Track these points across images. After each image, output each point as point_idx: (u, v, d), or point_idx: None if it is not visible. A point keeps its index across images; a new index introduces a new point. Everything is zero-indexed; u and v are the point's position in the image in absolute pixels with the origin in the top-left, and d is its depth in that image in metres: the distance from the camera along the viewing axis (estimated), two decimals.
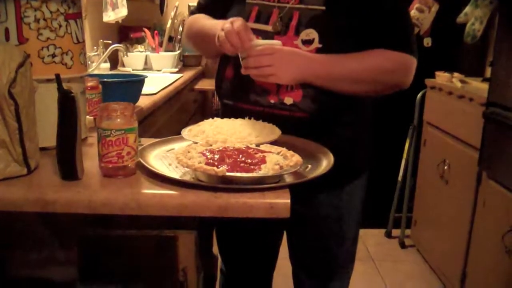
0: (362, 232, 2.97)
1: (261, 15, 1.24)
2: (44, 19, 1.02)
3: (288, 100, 1.18)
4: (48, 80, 1.02)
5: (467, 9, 2.68)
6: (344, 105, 1.22)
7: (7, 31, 1.00)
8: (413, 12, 2.80)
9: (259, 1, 1.25)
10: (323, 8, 1.17)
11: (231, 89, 1.28)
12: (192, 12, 1.44)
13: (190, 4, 3.79)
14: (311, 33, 1.17)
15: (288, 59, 1.14)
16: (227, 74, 1.29)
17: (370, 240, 3.00)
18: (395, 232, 3.03)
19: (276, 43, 1.16)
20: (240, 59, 1.17)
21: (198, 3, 1.44)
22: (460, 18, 2.71)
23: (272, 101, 1.20)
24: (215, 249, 1.43)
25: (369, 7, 1.17)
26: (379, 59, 1.19)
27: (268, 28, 1.22)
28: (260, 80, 1.19)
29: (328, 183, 1.20)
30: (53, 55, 1.05)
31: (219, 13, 1.30)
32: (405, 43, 1.20)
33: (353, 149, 1.28)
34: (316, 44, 1.17)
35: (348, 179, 1.29)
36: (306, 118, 1.18)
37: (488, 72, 2.45)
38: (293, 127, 1.17)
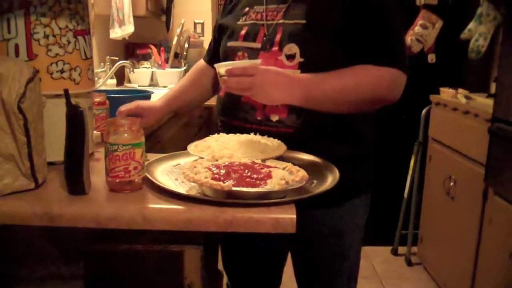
0: (368, 249, 2.98)
1: (249, 33, 1.27)
2: (53, 35, 1.04)
3: (274, 117, 1.20)
4: (57, 96, 1.03)
5: (471, 25, 2.70)
6: (330, 120, 1.19)
7: (17, 47, 1.02)
8: (417, 29, 2.82)
9: (250, 21, 1.29)
10: (304, 22, 1.18)
11: (223, 106, 1.31)
12: (203, 58, 1.54)
13: (196, 21, 3.84)
14: (292, 48, 1.18)
15: (269, 81, 1.12)
16: (221, 92, 1.32)
17: (376, 257, 2.98)
18: (402, 249, 3.00)
19: (256, 62, 1.15)
20: (219, 76, 1.15)
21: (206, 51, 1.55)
22: (464, 34, 2.73)
23: (258, 118, 1.21)
24: (221, 265, 1.42)
25: (352, 21, 1.16)
26: (360, 77, 1.16)
27: (257, 45, 1.24)
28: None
29: (326, 201, 1.18)
30: (62, 71, 1.06)
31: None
32: (390, 58, 1.17)
33: (351, 167, 1.23)
34: (298, 59, 1.18)
35: (347, 197, 1.27)
36: (291, 134, 1.19)
37: (493, 88, 2.45)
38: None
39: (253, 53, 1.24)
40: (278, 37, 1.21)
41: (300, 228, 1.24)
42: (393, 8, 1.22)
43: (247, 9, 1.31)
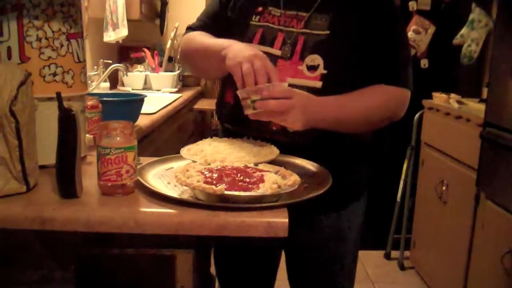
0: (361, 253, 2.93)
1: (265, 37, 1.22)
2: (46, 38, 1.04)
3: (291, 128, 1.16)
4: (49, 99, 1.03)
5: (463, 31, 2.72)
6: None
7: (9, 49, 1.01)
8: (410, 34, 2.84)
9: (264, 23, 1.24)
10: (327, 32, 1.17)
11: (232, 114, 1.25)
12: (190, 28, 1.38)
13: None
14: (316, 59, 1.16)
15: (305, 104, 1.09)
16: (227, 98, 1.27)
17: (369, 262, 2.98)
18: (394, 253, 3.01)
19: (284, 84, 1.10)
20: (246, 102, 1.08)
21: (198, 20, 1.38)
22: (457, 40, 2.75)
23: (274, 128, 1.18)
24: (213, 269, 1.42)
25: (370, 34, 1.17)
26: (380, 98, 1.19)
27: (277, 52, 1.20)
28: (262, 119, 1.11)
29: (331, 205, 1.21)
30: (54, 74, 1.06)
31: (219, 34, 1.27)
32: (402, 78, 1.20)
33: (355, 171, 1.28)
34: (321, 70, 1.16)
35: (350, 200, 1.30)
36: (307, 145, 1.18)
37: (485, 93, 2.47)
38: (295, 153, 1.16)
39: (271, 59, 1.18)
40: (299, 46, 1.18)
41: (303, 232, 1.24)
42: (405, 27, 1.25)
43: (260, 8, 1.25)
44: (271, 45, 1.22)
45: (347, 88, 1.17)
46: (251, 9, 1.27)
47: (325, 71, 1.16)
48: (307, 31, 1.19)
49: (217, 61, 1.16)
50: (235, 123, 1.26)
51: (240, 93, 1.09)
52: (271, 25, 1.23)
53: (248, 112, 1.09)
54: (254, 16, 1.25)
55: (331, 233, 1.28)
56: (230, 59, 1.11)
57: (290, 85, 1.16)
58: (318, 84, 1.16)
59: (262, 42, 1.23)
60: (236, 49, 1.13)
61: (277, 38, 1.21)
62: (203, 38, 1.29)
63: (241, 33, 1.24)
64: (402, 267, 2.92)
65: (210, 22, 1.35)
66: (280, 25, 1.22)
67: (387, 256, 3.05)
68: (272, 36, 1.22)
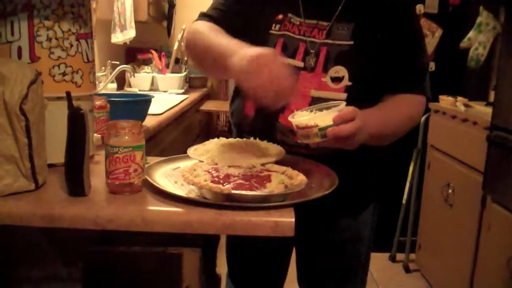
0: None
1: (287, 48, 1.19)
2: (56, 38, 1.05)
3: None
4: (58, 98, 1.04)
5: (471, 34, 2.72)
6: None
7: (20, 49, 1.02)
8: None
9: (285, 32, 1.20)
10: (351, 42, 1.15)
11: (254, 127, 1.21)
12: (202, 15, 1.24)
13: None
14: (340, 71, 1.14)
15: (365, 122, 0.99)
16: (247, 111, 1.24)
17: (374, 264, 2.94)
18: (400, 256, 3.00)
19: (342, 103, 1.00)
20: (302, 127, 1.00)
21: (213, 9, 1.23)
22: (464, 43, 2.75)
23: (299, 141, 1.11)
24: (219, 269, 1.42)
25: (392, 42, 1.16)
26: (410, 109, 1.18)
27: (300, 64, 1.18)
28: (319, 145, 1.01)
29: (350, 207, 1.24)
30: (64, 74, 1.07)
31: (234, 30, 1.16)
32: (424, 86, 1.20)
33: (372, 174, 1.30)
34: (346, 82, 1.14)
35: (369, 202, 1.31)
36: (333, 156, 1.11)
37: (492, 96, 2.47)
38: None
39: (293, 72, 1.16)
40: (322, 57, 1.16)
41: (322, 232, 1.26)
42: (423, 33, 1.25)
43: (281, 16, 1.21)
44: (293, 56, 1.18)
45: (370, 99, 1.15)
46: (270, 15, 1.22)
47: (349, 83, 1.14)
48: (330, 41, 1.17)
49: (222, 69, 1.06)
50: (257, 136, 1.20)
51: (297, 122, 1.00)
52: (292, 34, 1.19)
53: (313, 141, 0.99)
54: (274, 25, 1.21)
55: (352, 234, 1.29)
56: (237, 78, 1.01)
57: (314, 98, 1.14)
58: (343, 96, 1.14)
59: (283, 53, 1.18)
60: (237, 66, 0.99)
61: (299, 49, 1.18)
62: (211, 36, 1.14)
63: (260, 42, 1.16)
64: (407, 270, 2.91)
65: (227, 20, 1.21)
66: (301, 35, 1.19)
67: (392, 259, 3.04)
68: (293, 46, 1.19)
